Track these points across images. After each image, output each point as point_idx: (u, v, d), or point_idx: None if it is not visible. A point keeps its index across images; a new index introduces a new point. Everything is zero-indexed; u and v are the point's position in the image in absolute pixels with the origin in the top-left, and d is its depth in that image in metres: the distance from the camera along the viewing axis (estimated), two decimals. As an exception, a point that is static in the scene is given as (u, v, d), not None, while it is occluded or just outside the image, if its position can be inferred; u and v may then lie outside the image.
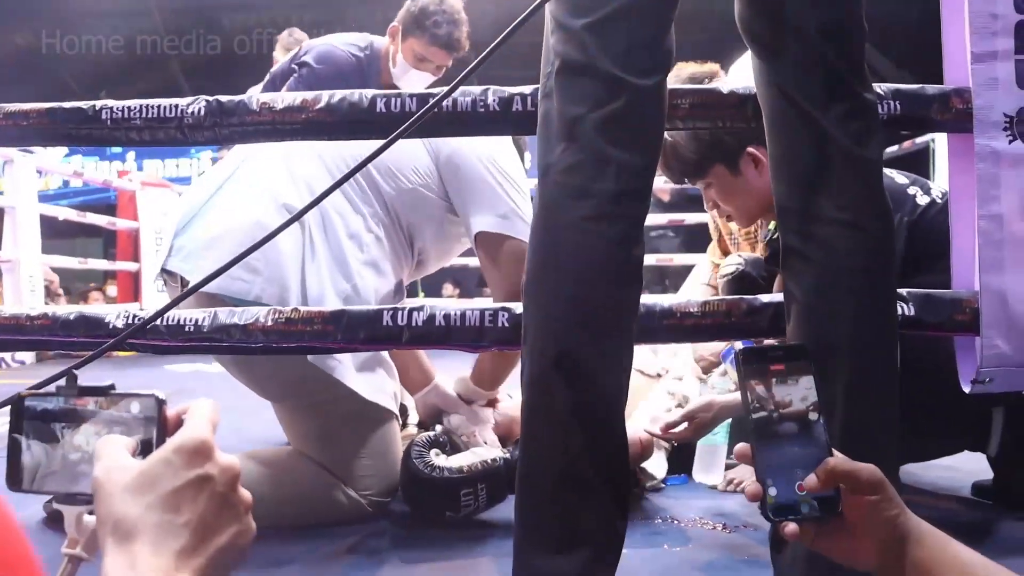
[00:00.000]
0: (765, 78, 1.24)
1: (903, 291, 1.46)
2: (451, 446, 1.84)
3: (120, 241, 6.74)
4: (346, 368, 1.77)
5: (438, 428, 1.91)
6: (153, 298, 5.87)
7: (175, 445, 0.59)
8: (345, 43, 3.04)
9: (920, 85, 1.50)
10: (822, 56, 1.18)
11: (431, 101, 1.43)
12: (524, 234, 1.79)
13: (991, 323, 1.40)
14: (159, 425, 0.65)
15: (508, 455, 1.77)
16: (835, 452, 0.79)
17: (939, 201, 1.77)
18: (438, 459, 1.76)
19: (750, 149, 1.84)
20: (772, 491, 0.78)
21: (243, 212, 1.78)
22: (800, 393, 0.81)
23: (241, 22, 9.63)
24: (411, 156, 1.90)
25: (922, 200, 1.78)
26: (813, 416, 0.80)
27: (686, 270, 3.35)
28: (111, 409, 0.66)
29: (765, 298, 1.46)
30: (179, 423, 0.64)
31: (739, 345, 1.83)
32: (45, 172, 5.77)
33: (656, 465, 2.06)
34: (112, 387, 0.67)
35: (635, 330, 1.20)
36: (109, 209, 7.26)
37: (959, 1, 1.45)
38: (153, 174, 9.38)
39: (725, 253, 2.53)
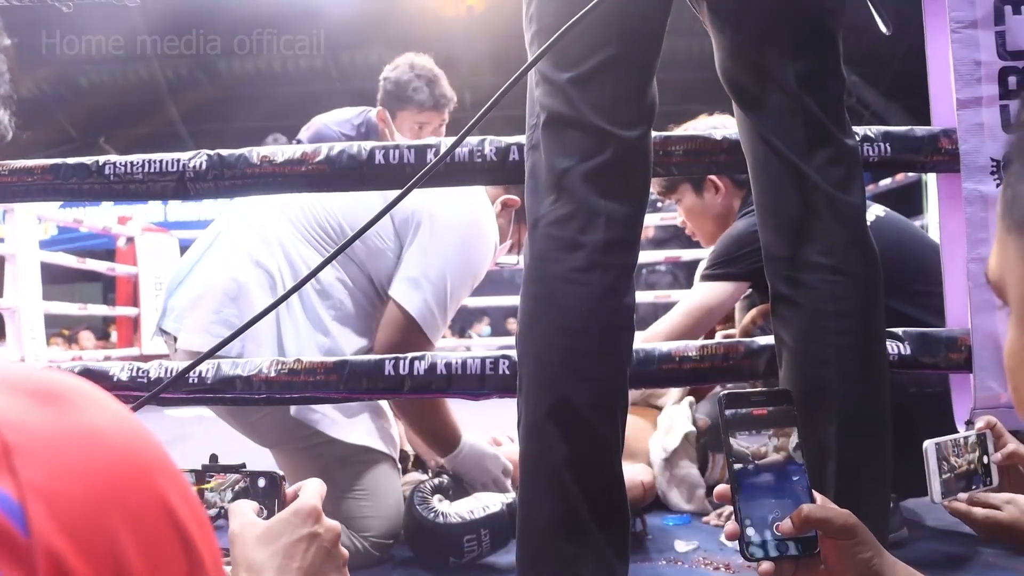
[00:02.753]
0: (748, 128, 1.27)
1: (898, 330, 1.47)
2: (454, 491, 1.85)
3: (119, 286, 6.75)
4: (330, 420, 1.79)
5: (444, 476, 1.91)
6: (151, 343, 5.87)
7: (294, 509, 0.78)
8: (338, 122, 3.05)
9: (909, 127, 1.53)
10: (802, 105, 1.21)
11: (428, 153, 1.46)
12: (412, 305, 1.80)
13: (984, 364, 1.42)
14: (279, 496, 0.84)
15: (511, 500, 1.77)
16: (815, 495, 0.81)
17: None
18: (441, 505, 1.76)
19: (711, 176, 2.10)
20: (750, 531, 0.80)
21: (221, 271, 1.86)
22: (782, 438, 0.82)
23: (238, 67, 9.74)
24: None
25: None
26: (794, 460, 0.82)
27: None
28: (243, 482, 0.87)
29: (762, 341, 1.47)
30: (295, 496, 0.82)
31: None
32: (44, 219, 5.77)
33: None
34: (243, 465, 0.89)
35: (628, 376, 1.21)
36: (108, 254, 7.28)
37: (944, 48, 1.48)
38: (155, 216, 9.44)
39: None
